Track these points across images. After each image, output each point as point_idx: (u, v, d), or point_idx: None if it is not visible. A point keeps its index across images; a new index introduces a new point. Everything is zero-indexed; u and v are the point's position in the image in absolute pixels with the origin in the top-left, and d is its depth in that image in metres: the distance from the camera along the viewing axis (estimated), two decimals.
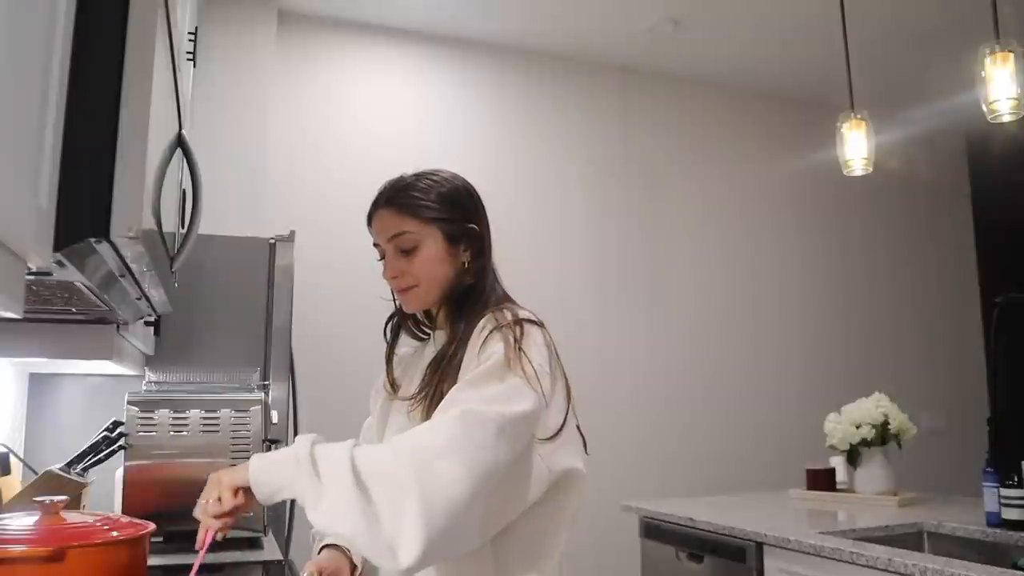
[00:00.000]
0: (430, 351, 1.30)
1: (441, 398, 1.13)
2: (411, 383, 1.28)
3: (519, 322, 1.15)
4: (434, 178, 1.29)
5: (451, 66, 3.64)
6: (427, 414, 1.15)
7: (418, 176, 1.29)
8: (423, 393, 1.19)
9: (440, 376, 1.18)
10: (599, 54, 3.85)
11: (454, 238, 1.26)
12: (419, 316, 1.35)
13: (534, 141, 3.74)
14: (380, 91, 3.51)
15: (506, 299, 1.27)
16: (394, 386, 1.31)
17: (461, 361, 1.16)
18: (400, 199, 1.26)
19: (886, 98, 3.74)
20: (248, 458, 1.08)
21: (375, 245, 1.29)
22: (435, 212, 1.25)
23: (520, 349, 1.11)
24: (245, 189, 3.00)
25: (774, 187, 4.25)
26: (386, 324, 1.37)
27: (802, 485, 2.72)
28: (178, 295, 1.74)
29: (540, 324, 1.19)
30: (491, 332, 1.14)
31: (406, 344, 1.38)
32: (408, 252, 1.24)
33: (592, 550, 3.14)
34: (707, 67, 3.99)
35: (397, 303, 1.34)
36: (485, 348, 1.13)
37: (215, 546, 1.08)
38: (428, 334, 1.35)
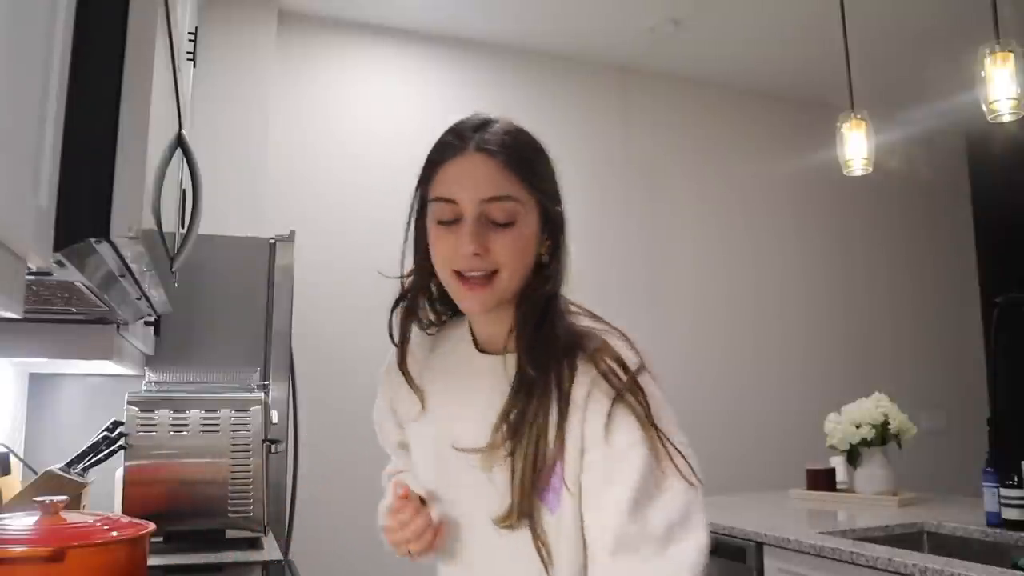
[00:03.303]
0: (465, 350, 1.05)
1: (536, 459, 0.92)
2: (444, 394, 1.05)
3: (635, 380, 0.93)
4: (534, 135, 1.03)
5: (451, 66, 3.64)
6: (525, 478, 0.92)
7: (520, 129, 1.02)
8: (509, 449, 0.94)
9: (534, 436, 0.93)
10: (599, 54, 3.85)
11: (546, 221, 0.99)
12: (435, 295, 1.06)
13: None
14: (380, 91, 3.51)
15: (574, 308, 1.03)
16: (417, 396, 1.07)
17: (562, 420, 0.93)
18: (519, 152, 0.97)
19: (886, 98, 3.74)
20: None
21: (442, 200, 0.95)
22: (545, 182, 0.99)
23: (655, 428, 0.91)
24: (245, 189, 3.00)
25: (774, 187, 4.25)
26: (391, 312, 1.07)
27: (802, 485, 2.72)
28: (178, 295, 1.74)
29: (641, 359, 0.96)
30: (613, 405, 0.91)
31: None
32: (502, 226, 0.94)
33: None
34: (708, 67, 3.99)
35: (407, 283, 1.06)
36: (613, 431, 0.91)
37: (215, 546, 1.08)
38: (444, 323, 1.09)
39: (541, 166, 1.00)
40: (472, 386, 1.02)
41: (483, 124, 0.98)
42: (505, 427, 0.95)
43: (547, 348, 0.96)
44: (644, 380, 0.94)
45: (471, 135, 0.97)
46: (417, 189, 1.01)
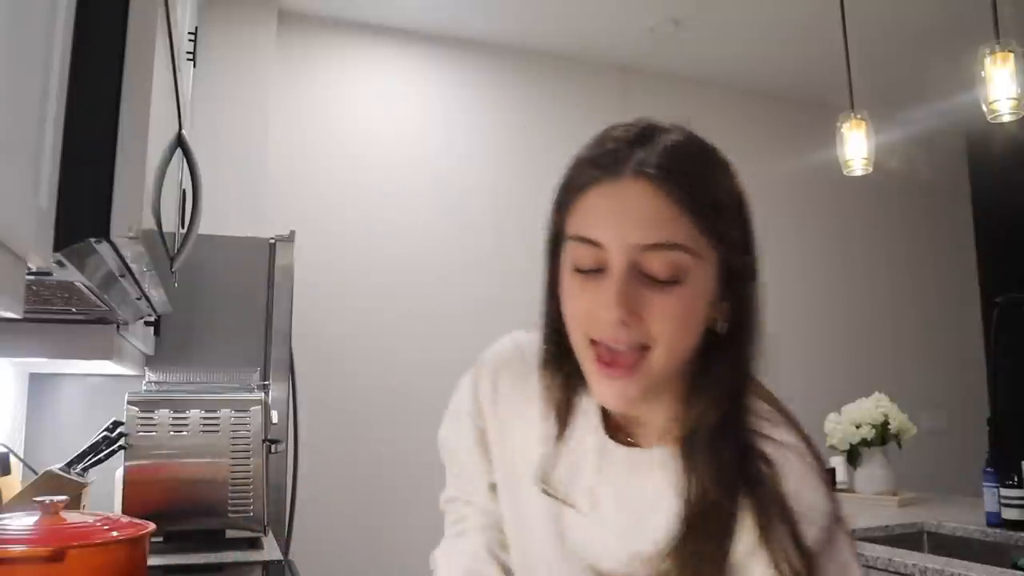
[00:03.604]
0: (595, 432, 0.77)
1: None
2: (567, 473, 0.78)
3: (811, 566, 0.68)
4: (716, 150, 0.73)
5: (451, 66, 3.64)
6: None
7: (696, 141, 0.73)
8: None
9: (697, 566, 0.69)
10: (600, 54, 3.85)
11: (727, 277, 0.70)
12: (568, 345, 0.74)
13: (534, 141, 3.73)
14: (380, 91, 3.51)
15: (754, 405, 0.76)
16: (549, 480, 0.79)
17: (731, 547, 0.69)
18: (695, 180, 0.68)
19: (886, 98, 3.74)
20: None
21: (581, 240, 0.69)
22: (730, 223, 0.70)
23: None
24: (245, 189, 3.00)
25: (774, 187, 4.24)
26: (544, 372, 0.79)
27: None
28: (178, 295, 1.74)
29: (835, 503, 0.73)
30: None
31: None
32: (661, 283, 0.67)
33: None
34: (708, 67, 3.99)
35: (549, 344, 0.78)
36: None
37: (215, 546, 1.08)
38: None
39: (725, 199, 0.71)
40: (603, 480, 0.75)
41: (646, 135, 0.71)
42: (671, 565, 0.69)
43: (732, 466, 0.69)
44: (829, 555, 0.68)
45: (628, 151, 0.69)
46: (552, 217, 0.75)
